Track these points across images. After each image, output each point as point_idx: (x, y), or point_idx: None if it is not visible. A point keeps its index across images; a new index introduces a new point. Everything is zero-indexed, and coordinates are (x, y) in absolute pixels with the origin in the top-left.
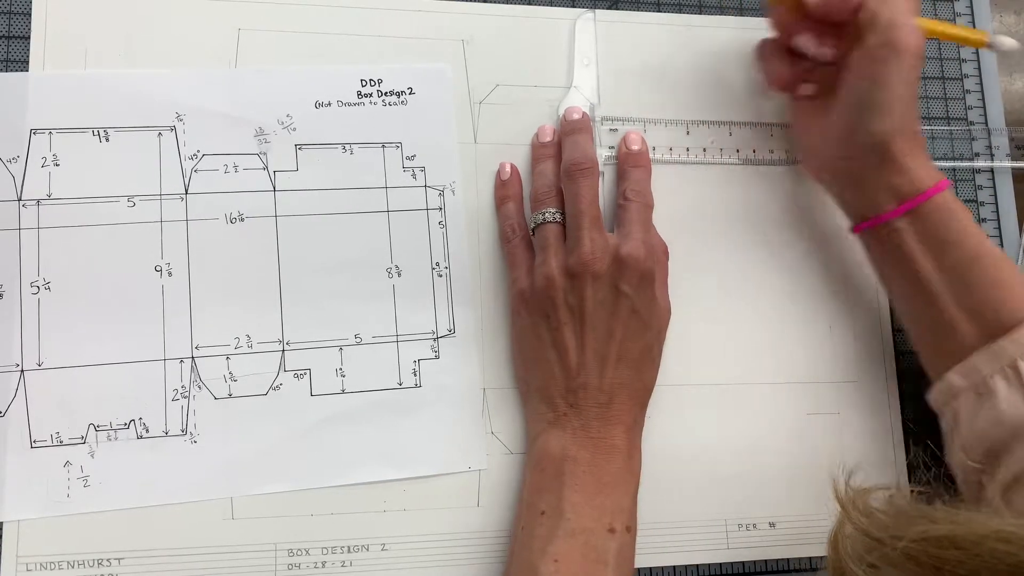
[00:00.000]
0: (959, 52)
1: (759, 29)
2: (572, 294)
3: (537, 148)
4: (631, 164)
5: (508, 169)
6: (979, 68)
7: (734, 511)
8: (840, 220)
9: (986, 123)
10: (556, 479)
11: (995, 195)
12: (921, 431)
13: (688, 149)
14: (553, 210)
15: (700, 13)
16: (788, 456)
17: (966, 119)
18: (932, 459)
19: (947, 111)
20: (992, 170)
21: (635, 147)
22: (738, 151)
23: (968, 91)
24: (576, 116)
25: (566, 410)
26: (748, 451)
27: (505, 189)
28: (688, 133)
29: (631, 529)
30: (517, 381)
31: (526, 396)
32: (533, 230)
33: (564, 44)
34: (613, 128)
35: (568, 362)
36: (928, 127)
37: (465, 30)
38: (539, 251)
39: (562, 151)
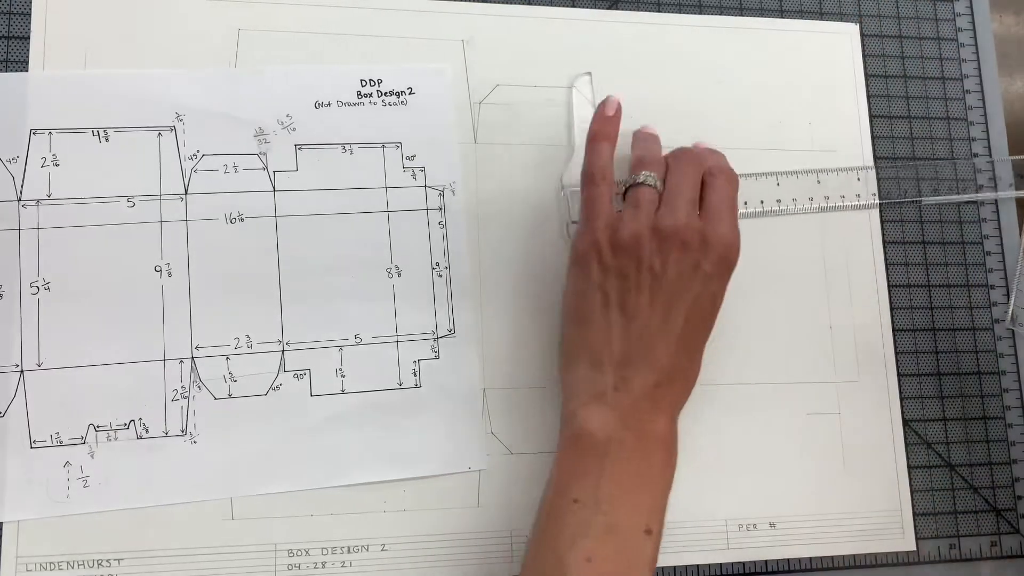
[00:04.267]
0: (959, 52)
1: (759, 29)
2: (658, 256)
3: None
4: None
5: (615, 105)
6: (979, 68)
7: (734, 511)
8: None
9: (985, 122)
10: (596, 463)
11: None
12: (921, 431)
13: None
14: (656, 175)
15: (700, 13)
16: (788, 456)
17: (966, 119)
18: (932, 460)
19: (947, 111)
20: (993, 168)
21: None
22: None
23: (968, 91)
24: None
25: (617, 383)
26: (748, 451)
27: (605, 125)
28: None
29: (662, 531)
30: (564, 341)
31: (571, 359)
32: (627, 189)
33: (564, 44)
34: None
35: (632, 329)
36: (932, 157)
37: (465, 30)
38: (629, 207)
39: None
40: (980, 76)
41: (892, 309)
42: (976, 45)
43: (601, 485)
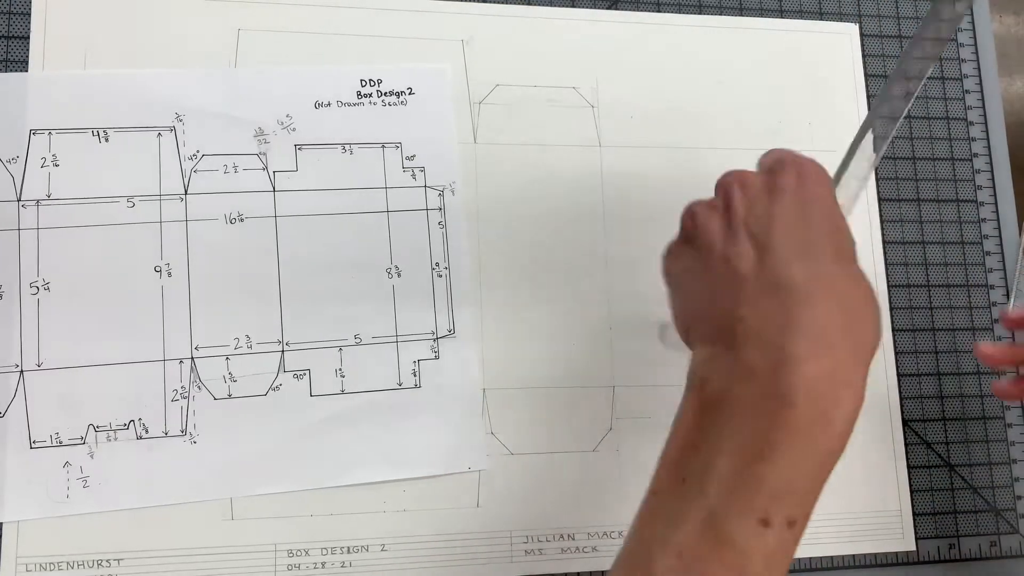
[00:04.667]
0: (959, 52)
1: (758, 29)
2: (778, 176)
3: None
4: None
5: None
6: (979, 68)
7: None
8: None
9: (985, 123)
10: (710, 426)
11: (995, 195)
12: (921, 431)
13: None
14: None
15: (700, 13)
16: None
17: (966, 119)
18: (932, 460)
19: (947, 111)
20: (992, 169)
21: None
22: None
23: (968, 91)
24: None
25: (753, 308)
26: None
27: None
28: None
29: (796, 523)
30: (689, 322)
31: (690, 319)
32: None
33: (564, 44)
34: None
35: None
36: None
37: (465, 30)
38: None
39: None
40: (980, 76)
41: (892, 309)
42: (976, 45)
43: (714, 459)
